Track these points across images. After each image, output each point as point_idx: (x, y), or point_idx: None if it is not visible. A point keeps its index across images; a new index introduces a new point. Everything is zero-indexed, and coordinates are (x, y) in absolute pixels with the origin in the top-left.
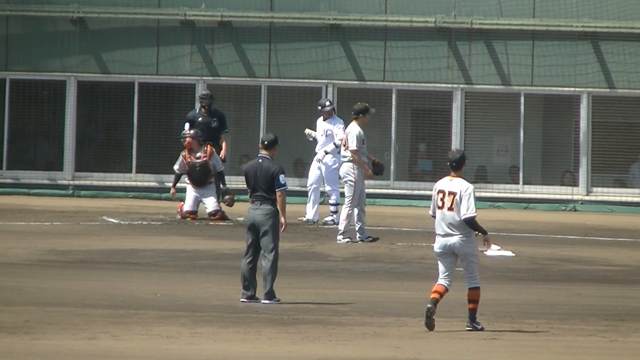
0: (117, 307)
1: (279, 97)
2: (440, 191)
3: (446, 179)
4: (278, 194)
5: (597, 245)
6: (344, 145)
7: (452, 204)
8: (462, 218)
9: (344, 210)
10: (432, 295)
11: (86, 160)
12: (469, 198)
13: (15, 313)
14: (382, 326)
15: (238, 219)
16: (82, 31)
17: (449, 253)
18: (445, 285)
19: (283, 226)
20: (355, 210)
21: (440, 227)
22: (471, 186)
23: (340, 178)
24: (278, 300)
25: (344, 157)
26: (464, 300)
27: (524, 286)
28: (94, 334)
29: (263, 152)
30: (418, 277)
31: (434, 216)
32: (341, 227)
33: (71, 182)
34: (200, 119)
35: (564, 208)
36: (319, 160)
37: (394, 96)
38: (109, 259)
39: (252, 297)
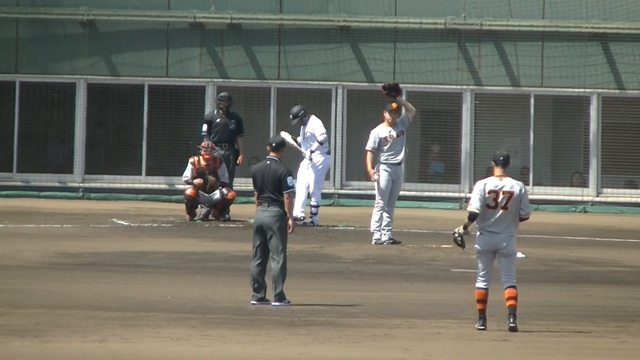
0: (127, 309)
1: (288, 99)
2: (492, 191)
3: (494, 179)
4: (285, 196)
5: (607, 247)
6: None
7: (507, 202)
8: (524, 216)
9: (373, 211)
10: (480, 307)
11: (96, 163)
12: (527, 197)
13: (25, 316)
14: (392, 328)
15: (248, 220)
16: (92, 34)
17: (491, 251)
18: (487, 288)
19: (291, 228)
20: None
21: (491, 224)
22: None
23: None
24: (288, 302)
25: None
26: (472, 301)
27: (534, 287)
28: (104, 336)
29: (271, 154)
30: (428, 279)
31: (475, 214)
32: (372, 228)
33: (81, 185)
34: (218, 119)
35: (574, 209)
36: (309, 162)
37: (404, 98)
38: (118, 262)
39: (263, 299)
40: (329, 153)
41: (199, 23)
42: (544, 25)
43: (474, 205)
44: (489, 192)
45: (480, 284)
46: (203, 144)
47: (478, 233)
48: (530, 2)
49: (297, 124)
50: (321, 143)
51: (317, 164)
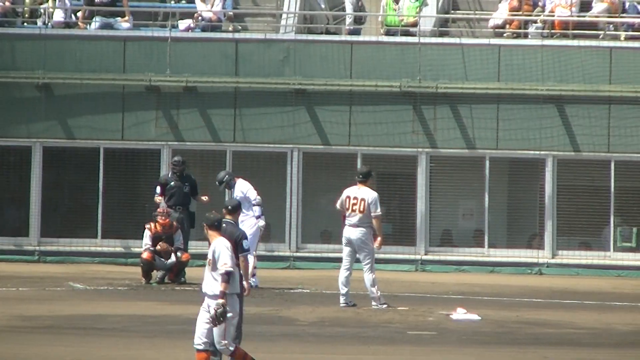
0: None
1: (244, 162)
2: None
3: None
4: (241, 259)
5: (563, 308)
6: (354, 211)
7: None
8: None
9: (370, 276)
10: None
11: (52, 226)
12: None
13: None
14: None
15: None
16: (48, 97)
17: None
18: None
19: (247, 291)
20: (344, 275)
21: None
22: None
23: (347, 242)
24: None
25: (356, 224)
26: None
27: (490, 350)
28: None
29: (227, 217)
30: (385, 342)
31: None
32: (374, 293)
33: (37, 248)
34: (172, 182)
35: (529, 271)
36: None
37: (359, 160)
38: (76, 325)
39: None
40: (259, 215)
41: (154, 86)
42: (499, 88)
43: (230, 264)
44: None
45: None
46: (159, 209)
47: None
48: (486, 65)
49: (225, 189)
50: (259, 204)
51: (251, 226)
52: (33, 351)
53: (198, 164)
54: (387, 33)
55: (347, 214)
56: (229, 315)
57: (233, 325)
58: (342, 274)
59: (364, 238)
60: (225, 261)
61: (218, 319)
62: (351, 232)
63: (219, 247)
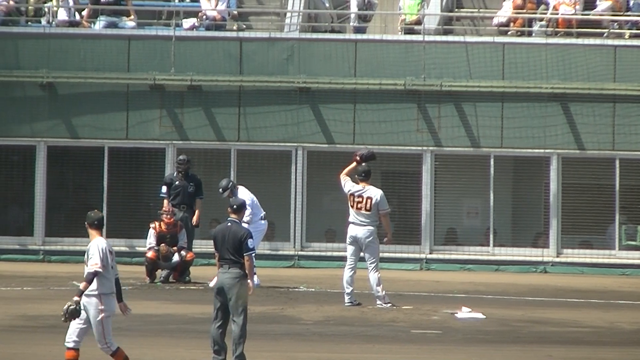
0: None
1: (248, 161)
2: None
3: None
4: (246, 258)
5: (567, 307)
6: (359, 209)
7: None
8: None
9: (375, 275)
10: None
11: (56, 225)
12: None
13: None
14: None
15: (208, 282)
16: (52, 96)
17: None
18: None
19: (251, 290)
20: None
21: None
22: None
23: (352, 241)
24: None
25: (362, 222)
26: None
27: (494, 348)
28: None
29: (232, 216)
30: (389, 340)
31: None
32: (379, 292)
33: (41, 247)
34: (177, 182)
35: (534, 270)
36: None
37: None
38: None
39: None
40: (264, 219)
41: (158, 85)
42: (503, 86)
43: (99, 265)
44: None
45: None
46: (164, 208)
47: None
48: (490, 63)
49: (228, 196)
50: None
51: (255, 229)
52: (36, 350)
53: (202, 163)
54: (408, 32)
55: (351, 212)
56: (103, 315)
57: (109, 324)
58: (347, 273)
59: (370, 236)
60: (96, 261)
61: (70, 315)
62: (357, 230)
63: (94, 247)
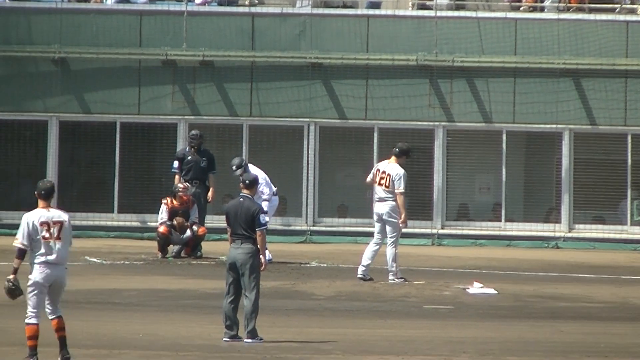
0: (100, 347)
1: (260, 136)
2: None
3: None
4: (258, 233)
5: (579, 282)
6: (380, 185)
7: (59, 232)
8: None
9: (392, 250)
10: (31, 344)
11: (68, 200)
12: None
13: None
14: None
15: (220, 257)
16: (64, 71)
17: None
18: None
19: (263, 265)
20: (372, 248)
21: (52, 255)
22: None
23: (377, 218)
24: (261, 339)
25: (382, 198)
26: (446, 338)
27: (506, 323)
28: None
29: (244, 192)
30: (401, 316)
31: (23, 250)
32: (393, 267)
33: None
34: (190, 157)
35: (546, 245)
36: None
37: (375, 134)
38: (91, 299)
39: (235, 337)
40: (275, 194)
41: (171, 60)
42: (516, 62)
43: (20, 240)
44: (41, 224)
45: (32, 319)
46: (181, 185)
47: (37, 266)
48: (502, 38)
49: (240, 174)
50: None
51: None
52: (48, 325)
53: (214, 138)
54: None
55: (375, 188)
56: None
57: (33, 294)
58: (371, 247)
59: (391, 212)
60: (17, 236)
61: (10, 293)
62: (380, 207)
63: (22, 220)
